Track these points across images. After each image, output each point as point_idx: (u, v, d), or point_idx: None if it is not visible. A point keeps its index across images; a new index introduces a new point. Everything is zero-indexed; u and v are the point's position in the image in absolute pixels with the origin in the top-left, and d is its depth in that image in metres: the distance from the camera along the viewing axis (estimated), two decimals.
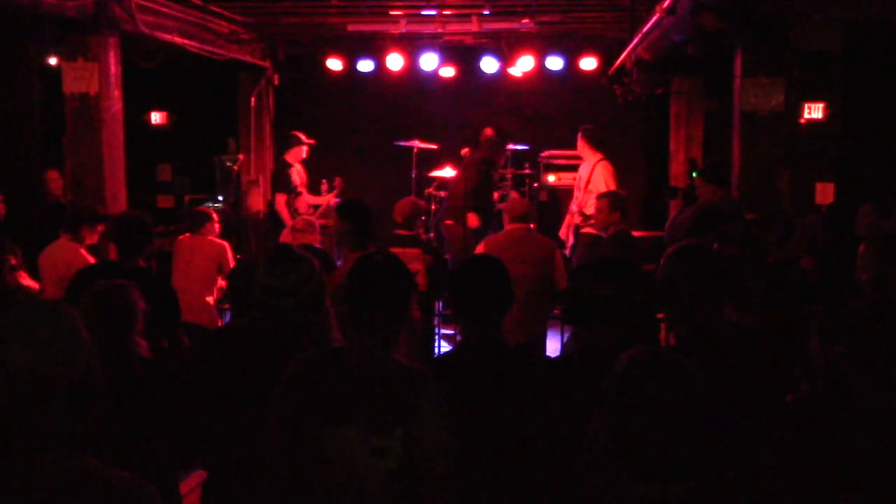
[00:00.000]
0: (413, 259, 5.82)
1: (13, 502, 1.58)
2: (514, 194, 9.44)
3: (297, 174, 8.93)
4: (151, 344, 4.11)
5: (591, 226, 7.65)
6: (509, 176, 9.65)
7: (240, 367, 2.92)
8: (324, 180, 8.95)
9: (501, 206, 6.09)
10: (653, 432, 1.91)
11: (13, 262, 5.74)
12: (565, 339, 6.87)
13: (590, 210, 7.57)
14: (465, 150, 8.73)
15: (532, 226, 6.11)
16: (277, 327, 2.88)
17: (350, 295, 2.40)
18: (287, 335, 2.87)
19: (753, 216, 5.78)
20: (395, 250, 5.85)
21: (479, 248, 5.91)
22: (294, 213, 8.62)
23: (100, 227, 5.98)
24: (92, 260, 5.93)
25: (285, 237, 8.34)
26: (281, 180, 8.80)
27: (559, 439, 2.41)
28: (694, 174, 8.19)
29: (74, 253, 5.74)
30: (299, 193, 8.73)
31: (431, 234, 9.76)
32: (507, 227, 5.97)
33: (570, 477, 2.12)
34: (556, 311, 6.77)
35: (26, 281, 5.86)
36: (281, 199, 8.69)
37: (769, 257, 4.41)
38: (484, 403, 2.49)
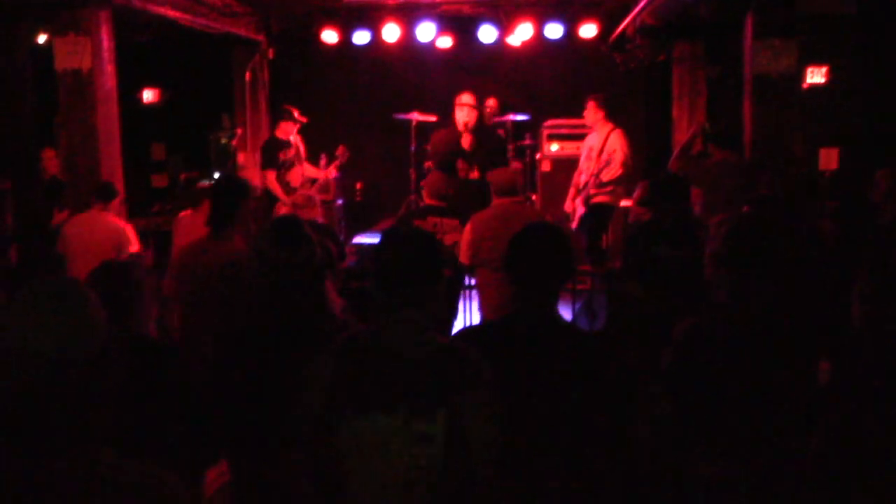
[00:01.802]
0: (451, 230, 5.74)
1: (31, 498, 1.46)
2: (516, 165, 9.30)
3: (295, 146, 8.69)
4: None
5: (606, 193, 7.54)
6: (511, 147, 9.50)
7: (262, 358, 2.78)
8: (323, 154, 8.77)
9: (487, 177, 5.83)
10: (721, 408, 1.80)
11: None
12: (576, 309, 6.79)
13: (607, 177, 7.44)
14: None
15: (521, 198, 5.80)
16: (288, 303, 2.74)
17: (380, 272, 2.24)
18: (299, 312, 2.73)
19: (768, 180, 5.67)
20: (434, 220, 5.80)
21: (467, 229, 5.65)
22: (286, 187, 8.42)
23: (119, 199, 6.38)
24: (123, 225, 6.23)
25: (279, 212, 8.20)
26: (267, 157, 8.61)
27: (619, 420, 2.26)
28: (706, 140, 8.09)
29: (99, 219, 6.11)
30: (291, 166, 8.50)
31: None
32: (494, 201, 5.64)
33: (631, 459, 1.99)
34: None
35: None
36: (271, 176, 8.49)
37: (801, 221, 4.30)
38: (537, 378, 2.35)
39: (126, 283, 3.37)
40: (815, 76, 11.06)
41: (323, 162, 8.77)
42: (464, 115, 7.98)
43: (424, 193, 6.41)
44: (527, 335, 2.44)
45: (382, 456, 2.09)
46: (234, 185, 4.53)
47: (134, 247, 6.21)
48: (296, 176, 8.45)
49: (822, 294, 3.89)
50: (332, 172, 8.63)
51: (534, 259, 2.50)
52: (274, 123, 9.34)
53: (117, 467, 1.56)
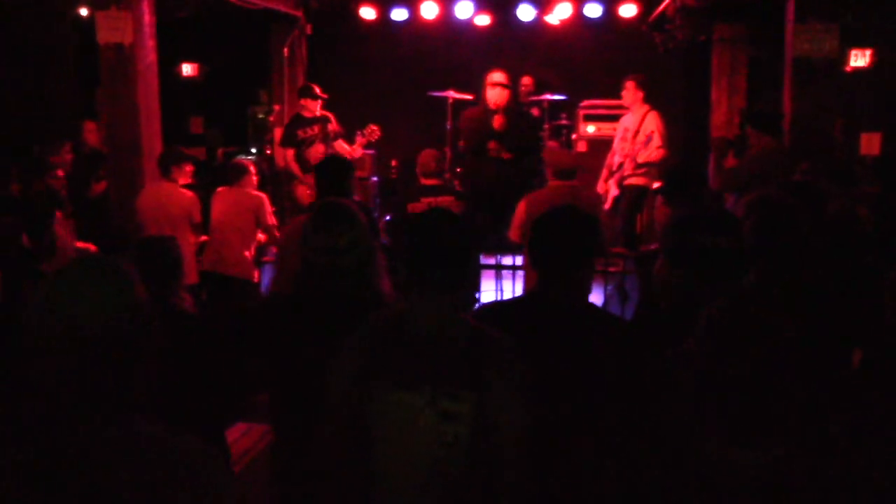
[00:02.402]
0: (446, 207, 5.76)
1: (73, 469, 1.51)
2: (551, 144, 9.25)
3: (320, 124, 8.53)
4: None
5: (641, 175, 7.49)
6: (546, 126, 9.46)
7: (302, 327, 2.82)
8: (358, 131, 8.78)
9: (544, 157, 5.75)
10: (742, 392, 1.81)
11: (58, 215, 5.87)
12: (608, 291, 6.79)
13: (642, 158, 7.39)
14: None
15: (578, 182, 5.78)
16: (334, 288, 2.77)
17: (410, 253, 2.28)
18: (345, 294, 2.76)
19: (807, 165, 5.60)
20: (428, 200, 5.80)
21: (520, 207, 5.63)
22: (304, 165, 8.31)
23: (187, 167, 6.50)
24: (190, 194, 6.39)
25: (302, 191, 8.18)
26: (285, 135, 8.56)
27: (642, 407, 2.29)
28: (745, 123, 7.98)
29: (170, 190, 6.34)
30: (311, 143, 8.40)
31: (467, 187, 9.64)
32: (552, 183, 5.64)
33: (655, 446, 2.01)
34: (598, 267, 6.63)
35: (80, 244, 6.06)
36: (289, 154, 8.41)
37: (829, 207, 4.26)
38: (553, 357, 2.38)
39: (163, 258, 3.46)
40: (859, 59, 10.85)
41: (358, 139, 8.76)
42: (495, 94, 7.81)
43: (417, 172, 6.36)
44: (547, 314, 2.48)
45: (410, 432, 2.14)
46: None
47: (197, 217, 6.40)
48: (315, 154, 8.30)
49: (856, 281, 3.86)
50: (359, 151, 8.50)
51: (554, 242, 2.54)
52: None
53: (158, 436, 1.60)
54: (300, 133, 8.35)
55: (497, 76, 7.88)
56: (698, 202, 4.61)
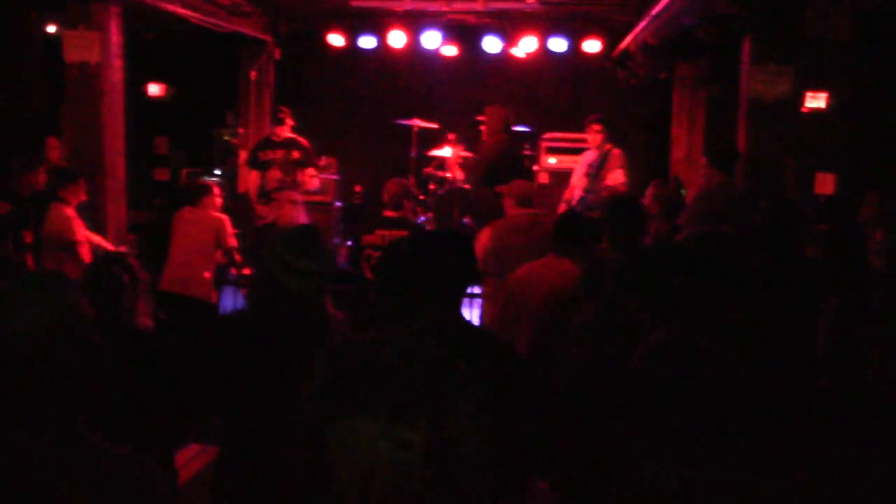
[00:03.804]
0: None
1: (10, 479, 1.54)
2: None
3: (285, 149, 8.51)
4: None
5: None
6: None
7: (259, 347, 2.86)
8: (323, 157, 8.83)
9: (502, 188, 5.77)
10: (669, 413, 1.89)
11: (28, 240, 5.90)
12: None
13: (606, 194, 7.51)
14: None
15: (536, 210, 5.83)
16: (293, 308, 2.80)
17: (379, 282, 2.33)
18: (299, 316, 2.80)
19: (767, 204, 5.72)
20: (382, 233, 5.83)
21: (483, 236, 5.63)
22: (261, 189, 8.33)
23: (73, 187, 6.34)
24: (68, 214, 6.27)
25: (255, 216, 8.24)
26: (249, 156, 8.58)
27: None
28: (683, 191, 8.25)
29: (61, 214, 6.22)
30: (270, 166, 8.38)
31: (429, 215, 9.71)
32: (511, 212, 5.67)
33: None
34: None
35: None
36: (252, 176, 8.42)
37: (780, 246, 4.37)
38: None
39: (115, 277, 3.48)
40: (815, 101, 11.11)
41: (322, 163, 8.79)
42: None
43: (385, 201, 6.30)
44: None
45: (367, 458, 2.15)
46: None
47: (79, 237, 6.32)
48: (270, 179, 8.31)
49: (798, 315, 3.98)
50: (315, 182, 8.53)
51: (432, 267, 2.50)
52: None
53: (98, 447, 1.64)
54: (261, 155, 8.39)
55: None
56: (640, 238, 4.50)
